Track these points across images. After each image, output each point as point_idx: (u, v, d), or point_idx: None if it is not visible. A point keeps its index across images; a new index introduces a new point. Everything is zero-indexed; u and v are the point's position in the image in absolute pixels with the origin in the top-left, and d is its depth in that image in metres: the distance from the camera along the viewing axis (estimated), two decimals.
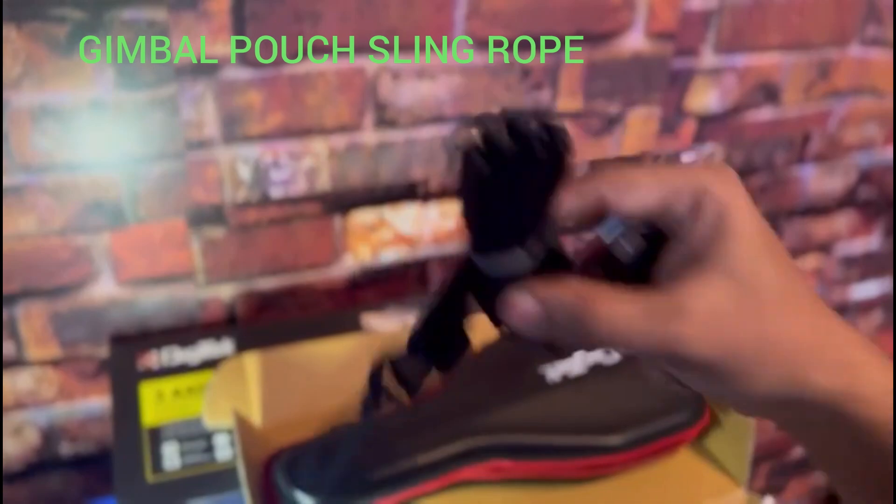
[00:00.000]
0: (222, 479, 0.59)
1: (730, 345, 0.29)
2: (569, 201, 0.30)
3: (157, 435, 0.62)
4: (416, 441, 0.55)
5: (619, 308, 0.29)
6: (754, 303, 0.29)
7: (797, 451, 1.26)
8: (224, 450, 0.61)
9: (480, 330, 0.67)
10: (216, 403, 0.61)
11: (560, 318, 0.29)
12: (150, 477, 0.59)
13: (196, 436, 0.62)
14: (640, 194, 0.30)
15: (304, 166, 0.71)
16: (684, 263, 0.29)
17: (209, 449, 0.61)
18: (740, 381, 0.29)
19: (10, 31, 0.58)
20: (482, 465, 0.55)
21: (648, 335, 0.29)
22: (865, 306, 1.15)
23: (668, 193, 0.30)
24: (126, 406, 0.64)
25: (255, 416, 0.61)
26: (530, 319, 0.30)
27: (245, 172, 0.70)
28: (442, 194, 0.78)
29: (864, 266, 1.10)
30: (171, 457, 0.60)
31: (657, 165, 0.31)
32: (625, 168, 0.30)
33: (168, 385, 0.66)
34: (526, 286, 0.30)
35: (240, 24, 0.63)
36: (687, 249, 0.29)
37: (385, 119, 0.72)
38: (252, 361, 0.62)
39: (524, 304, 0.30)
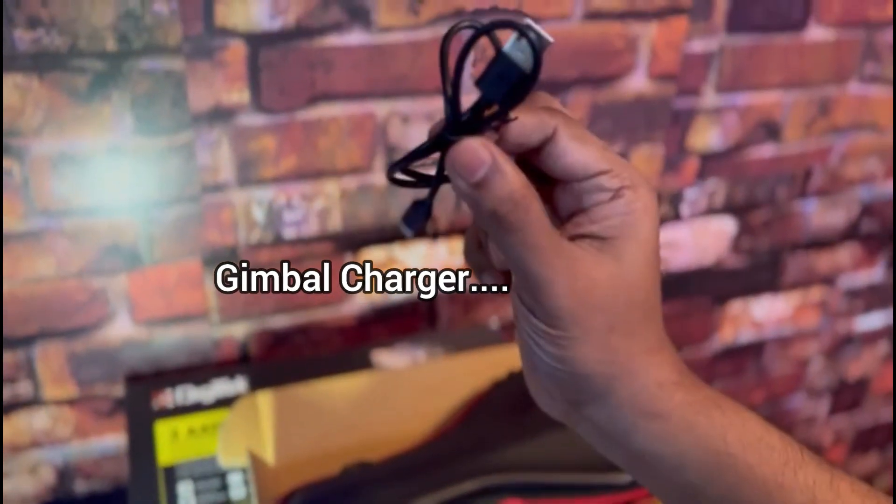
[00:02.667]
0: None
1: (599, 316, 0.32)
2: (530, 121, 0.32)
3: (172, 474, 0.63)
4: (429, 480, 0.55)
5: (544, 227, 0.31)
6: (635, 296, 0.32)
7: None
8: (238, 488, 0.62)
9: (489, 370, 0.67)
10: (231, 442, 0.62)
11: (499, 188, 0.31)
12: None
13: (210, 474, 0.63)
14: (589, 153, 0.32)
15: (317, 207, 0.73)
16: (591, 230, 0.33)
17: (224, 488, 0.62)
18: (577, 342, 0.32)
19: (32, 81, 0.60)
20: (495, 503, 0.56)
21: (547, 267, 0.31)
22: (870, 338, 1.16)
23: (607, 166, 0.32)
24: (141, 445, 0.65)
25: (269, 455, 0.62)
26: (475, 166, 0.31)
27: (259, 214, 0.71)
28: (450, 232, 0.80)
29: (868, 298, 1.10)
30: (187, 496, 0.61)
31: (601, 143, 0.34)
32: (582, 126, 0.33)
33: (183, 424, 0.67)
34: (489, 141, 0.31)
35: (254, 72, 0.65)
36: (595, 219, 0.33)
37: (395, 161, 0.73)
38: (265, 400, 0.63)
39: (482, 150, 0.31)
